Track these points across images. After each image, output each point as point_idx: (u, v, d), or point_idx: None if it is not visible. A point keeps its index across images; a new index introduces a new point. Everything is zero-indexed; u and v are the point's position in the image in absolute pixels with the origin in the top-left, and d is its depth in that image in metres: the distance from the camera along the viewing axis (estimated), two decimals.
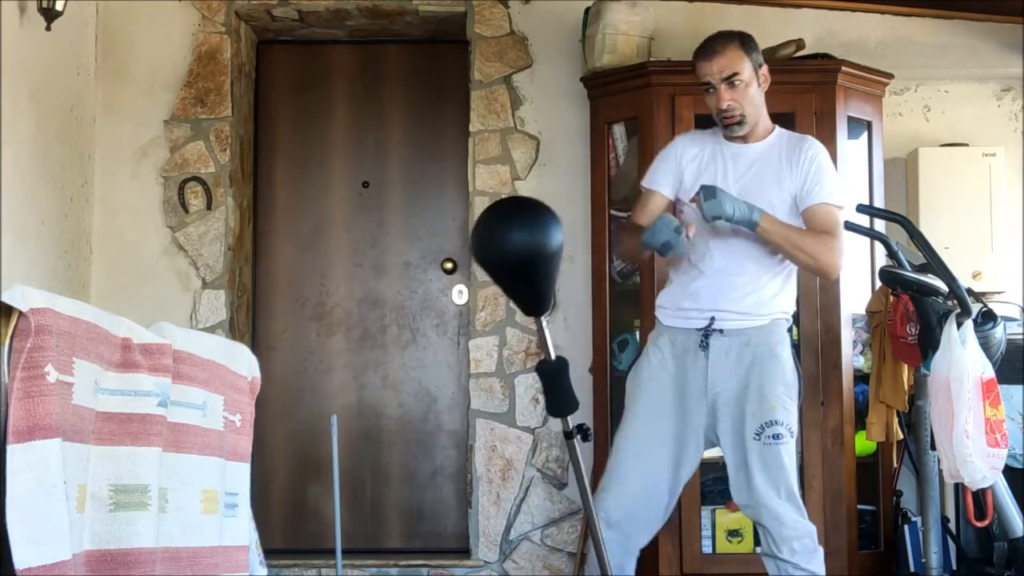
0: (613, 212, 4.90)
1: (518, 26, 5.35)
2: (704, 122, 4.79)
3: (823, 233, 3.56)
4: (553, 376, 2.91)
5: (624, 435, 3.58)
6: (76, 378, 2.30)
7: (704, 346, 3.52)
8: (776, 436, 3.45)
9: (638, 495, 3.53)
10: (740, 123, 3.62)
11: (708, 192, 3.43)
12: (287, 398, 5.53)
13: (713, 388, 3.54)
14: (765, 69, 3.68)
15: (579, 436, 2.97)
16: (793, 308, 3.74)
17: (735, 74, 3.59)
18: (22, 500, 2.11)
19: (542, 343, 2.95)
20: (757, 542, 4.65)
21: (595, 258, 4.98)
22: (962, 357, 3.85)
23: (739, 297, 3.54)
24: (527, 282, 2.82)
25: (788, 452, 3.49)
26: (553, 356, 2.94)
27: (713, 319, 3.53)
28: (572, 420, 2.97)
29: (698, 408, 3.55)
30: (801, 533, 3.47)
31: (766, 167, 3.65)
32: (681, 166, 3.69)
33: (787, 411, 3.50)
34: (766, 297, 3.60)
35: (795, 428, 3.53)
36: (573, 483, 5.13)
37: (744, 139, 3.69)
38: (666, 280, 3.78)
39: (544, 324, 2.93)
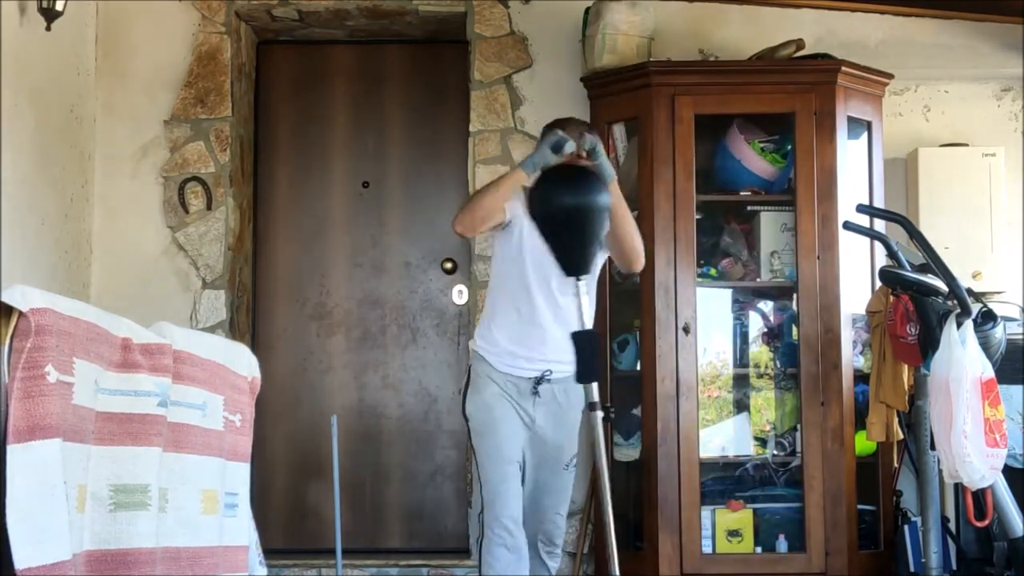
0: None
1: (518, 26, 5.35)
2: (704, 123, 4.81)
3: None
4: (588, 342, 3.40)
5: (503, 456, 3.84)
6: (76, 378, 2.30)
7: (535, 392, 3.81)
8: (575, 465, 3.97)
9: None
10: None
11: (592, 142, 3.63)
12: (287, 398, 5.53)
13: (536, 424, 3.85)
14: None
15: (602, 413, 3.38)
16: None
17: (584, 156, 3.74)
18: (22, 500, 2.11)
19: (578, 311, 3.40)
20: (757, 542, 4.68)
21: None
22: (962, 357, 3.86)
23: (567, 348, 3.65)
24: (577, 234, 3.41)
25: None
26: (589, 326, 3.42)
27: (549, 371, 3.80)
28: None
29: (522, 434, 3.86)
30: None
31: None
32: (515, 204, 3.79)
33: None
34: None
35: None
36: (573, 483, 5.12)
37: None
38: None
39: (582, 290, 3.41)
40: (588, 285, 3.62)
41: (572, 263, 3.46)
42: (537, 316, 3.79)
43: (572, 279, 3.51)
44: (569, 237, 3.43)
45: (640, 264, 3.87)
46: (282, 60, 5.72)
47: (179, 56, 5.32)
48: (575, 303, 3.48)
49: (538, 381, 3.78)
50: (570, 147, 3.58)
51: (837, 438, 4.64)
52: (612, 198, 3.58)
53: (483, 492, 3.80)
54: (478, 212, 3.70)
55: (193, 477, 2.78)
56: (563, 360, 3.67)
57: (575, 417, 3.88)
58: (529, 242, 3.73)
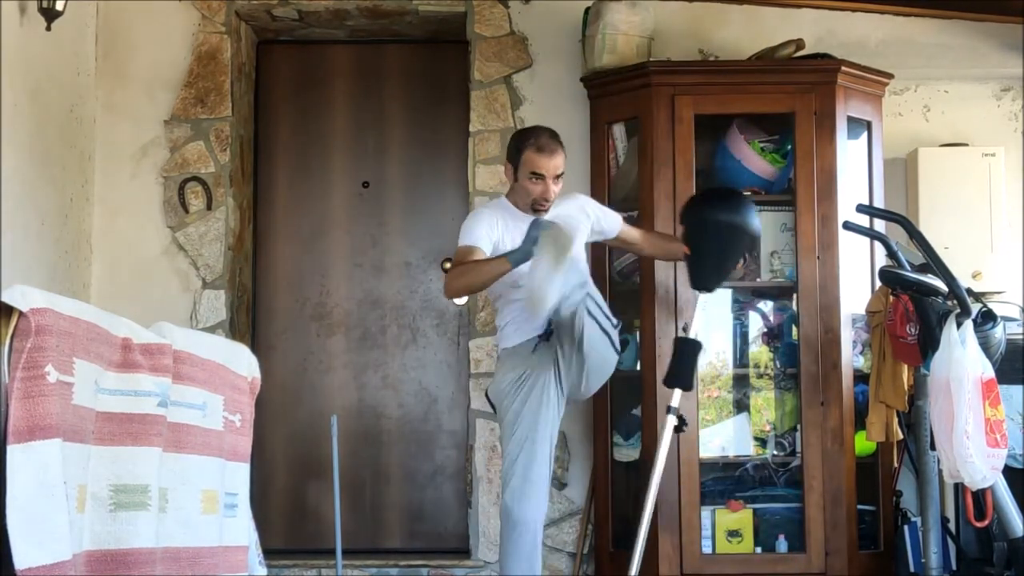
0: None
1: (518, 26, 5.35)
2: (704, 123, 4.81)
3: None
4: (689, 350, 3.87)
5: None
6: (76, 378, 2.30)
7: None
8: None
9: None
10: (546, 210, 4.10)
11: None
12: (287, 398, 5.53)
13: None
14: None
15: (677, 419, 3.78)
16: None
17: (562, 174, 4.10)
18: (22, 500, 2.11)
19: (689, 320, 3.88)
20: (757, 542, 4.68)
21: (595, 258, 4.97)
22: (962, 357, 3.85)
23: None
24: (720, 251, 3.96)
25: None
26: (695, 335, 3.88)
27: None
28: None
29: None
30: None
31: None
32: (493, 233, 4.05)
33: None
34: None
35: None
36: (573, 483, 5.13)
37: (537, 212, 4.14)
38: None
39: (700, 303, 3.98)
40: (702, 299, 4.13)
41: (703, 278, 3.98)
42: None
43: None
44: (713, 251, 3.94)
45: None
46: (282, 60, 5.71)
47: (179, 56, 5.32)
48: None
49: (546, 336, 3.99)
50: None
51: (837, 438, 4.64)
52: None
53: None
54: (465, 290, 4.07)
55: (193, 477, 2.78)
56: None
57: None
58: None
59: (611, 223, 4.32)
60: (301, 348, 5.57)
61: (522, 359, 4.02)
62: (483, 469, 5.15)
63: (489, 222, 4.05)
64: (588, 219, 4.22)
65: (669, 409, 3.86)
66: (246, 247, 5.50)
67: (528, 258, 3.76)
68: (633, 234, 4.39)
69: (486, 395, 4.17)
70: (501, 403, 4.04)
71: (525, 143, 4.08)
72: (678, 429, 3.95)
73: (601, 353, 3.93)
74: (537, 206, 4.06)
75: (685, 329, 4.67)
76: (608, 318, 3.93)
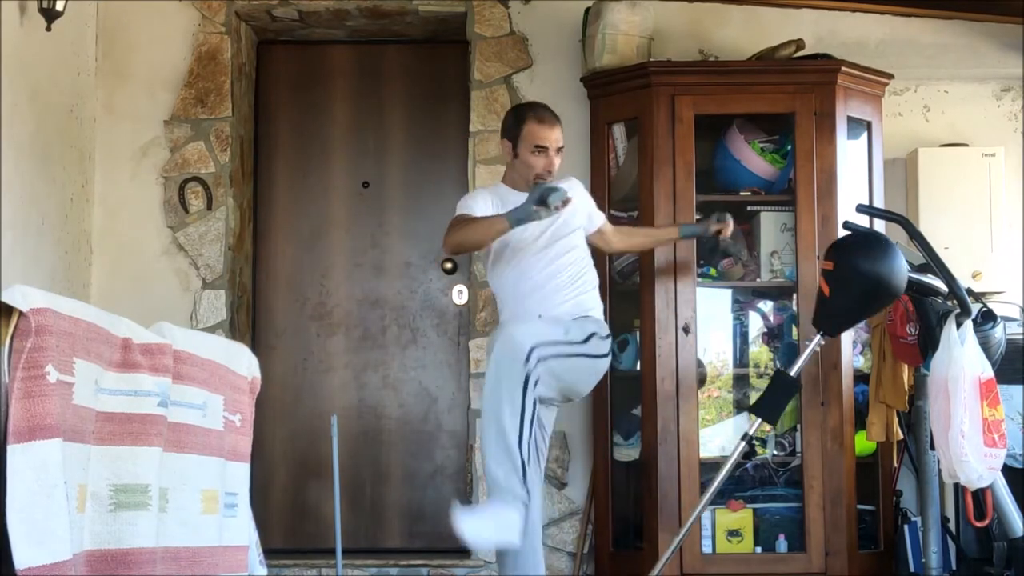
0: (613, 212, 4.90)
1: (518, 26, 5.35)
2: (704, 123, 4.81)
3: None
4: (786, 385, 3.90)
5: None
6: (76, 378, 2.30)
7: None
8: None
9: None
10: None
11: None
12: (287, 398, 5.53)
13: None
14: None
15: (748, 446, 3.82)
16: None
17: (562, 147, 4.09)
18: (22, 500, 2.11)
19: (798, 356, 3.98)
20: (757, 542, 4.68)
21: (595, 258, 4.97)
22: (961, 357, 3.85)
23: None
24: (860, 304, 3.89)
25: None
26: (796, 374, 3.91)
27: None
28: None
29: None
30: None
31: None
32: (490, 210, 4.01)
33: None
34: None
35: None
36: (573, 483, 5.13)
37: None
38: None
39: (815, 343, 3.94)
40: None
41: (832, 322, 3.93)
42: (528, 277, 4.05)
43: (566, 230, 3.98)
44: (854, 301, 3.87)
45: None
46: (282, 60, 5.72)
47: (179, 56, 5.32)
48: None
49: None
50: (556, 198, 3.70)
51: (837, 438, 4.64)
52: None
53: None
54: (464, 245, 3.97)
55: (193, 477, 2.78)
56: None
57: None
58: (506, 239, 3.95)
59: (598, 213, 4.34)
60: (301, 348, 5.57)
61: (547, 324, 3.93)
62: (483, 469, 5.13)
63: (485, 200, 4.04)
64: (587, 202, 4.24)
65: (745, 436, 3.87)
66: (246, 247, 5.50)
67: (528, 218, 3.73)
68: (609, 227, 4.39)
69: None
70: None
71: (525, 116, 4.05)
72: (748, 456, 3.93)
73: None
74: (539, 181, 3.99)
75: (686, 329, 4.68)
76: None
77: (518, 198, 3.96)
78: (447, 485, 5.50)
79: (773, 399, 3.88)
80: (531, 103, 4.23)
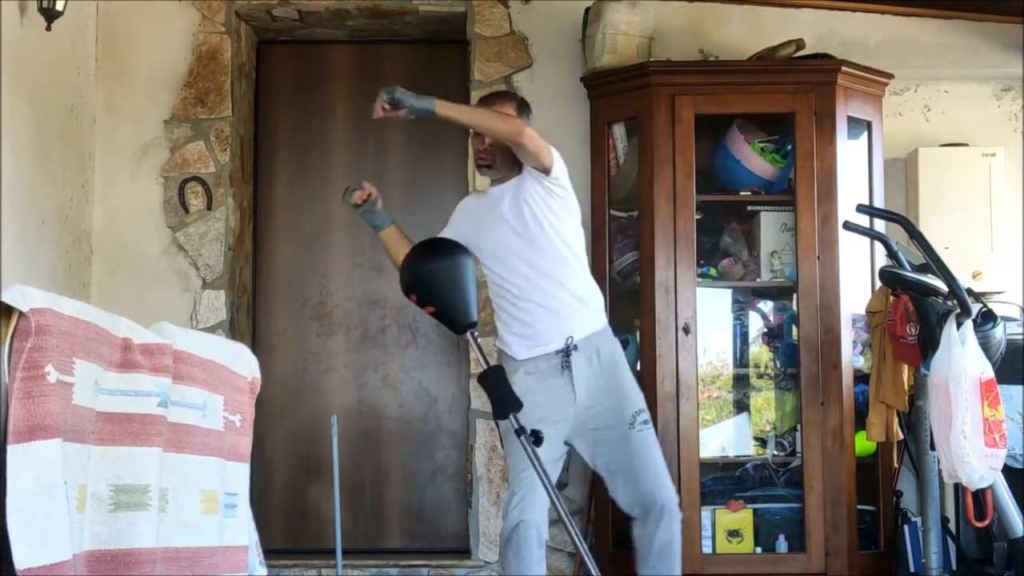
0: (613, 212, 4.91)
1: (518, 26, 5.35)
2: (704, 123, 4.81)
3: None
4: (491, 380, 3.28)
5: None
6: (76, 378, 2.30)
7: (566, 366, 3.72)
8: (646, 422, 3.77)
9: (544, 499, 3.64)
10: (491, 167, 3.94)
11: (387, 91, 3.74)
12: (287, 398, 5.53)
13: (579, 400, 3.74)
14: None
15: (532, 438, 3.21)
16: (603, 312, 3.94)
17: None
18: (22, 500, 2.11)
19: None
20: (757, 542, 4.68)
21: (595, 258, 4.98)
22: (961, 357, 3.85)
23: (567, 316, 3.79)
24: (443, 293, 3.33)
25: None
26: (487, 364, 3.31)
27: (571, 337, 3.74)
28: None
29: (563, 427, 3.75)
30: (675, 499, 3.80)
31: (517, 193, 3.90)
32: (462, 216, 4.07)
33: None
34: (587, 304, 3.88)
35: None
36: (574, 483, 5.13)
37: (499, 182, 3.98)
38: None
39: (472, 338, 3.37)
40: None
41: (456, 321, 3.37)
42: (522, 295, 3.81)
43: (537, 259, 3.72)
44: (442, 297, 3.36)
45: (522, 137, 3.76)
46: (282, 60, 5.71)
47: (179, 56, 5.32)
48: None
49: (565, 353, 3.71)
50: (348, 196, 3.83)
51: (837, 438, 4.64)
52: (446, 111, 3.79)
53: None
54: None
55: (193, 477, 2.78)
56: (575, 327, 3.72)
57: (619, 372, 3.78)
58: (481, 238, 3.89)
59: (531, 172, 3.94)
60: (301, 348, 5.57)
61: (537, 380, 3.74)
62: (483, 469, 5.15)
63: (460, 209, 4.13)
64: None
65: (519, 431, 3.46)
66: (246, 247, 5.50)
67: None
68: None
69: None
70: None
71: None
72: (536, 443, 3.70)
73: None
74: (477, 162, 3.99)
75: (686, 329, 4.68)
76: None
77: (489, 194, 3.99)
78: (447, 485, 5.50)
79: (498, 394, 3.38)
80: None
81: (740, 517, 4.68)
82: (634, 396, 3.79)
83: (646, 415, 3.77)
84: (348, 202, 3.98)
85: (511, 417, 3.23)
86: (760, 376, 4.93)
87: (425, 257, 3.41)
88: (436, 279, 3.32)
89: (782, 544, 4.67)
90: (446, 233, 4.00)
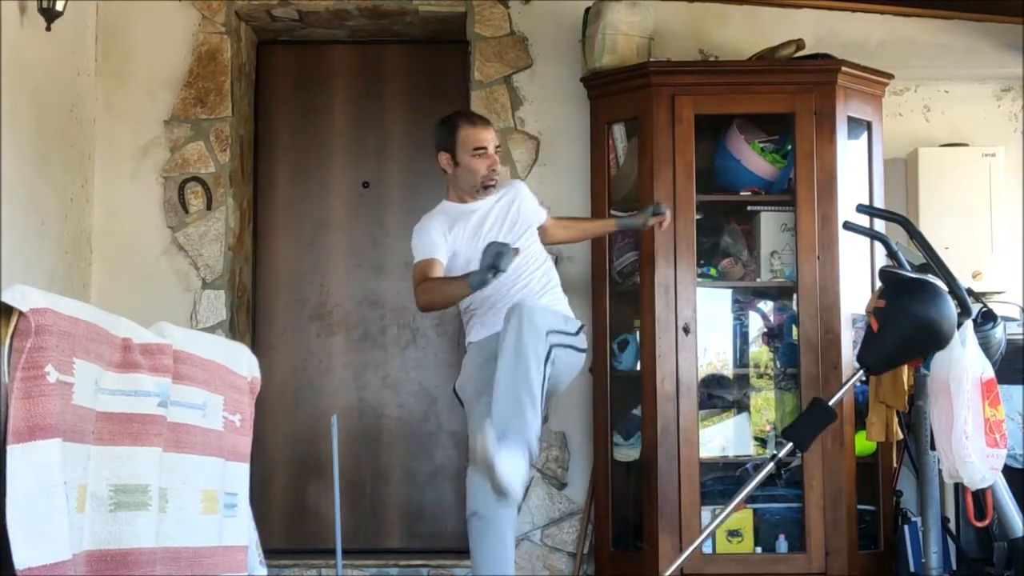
0: (613, 212, 4.90)
1: (518, 26, 5.35)
2: (704, 123, 4.81)
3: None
4: (822, 414, 3.85)
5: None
6: (76, 378, 2.30)
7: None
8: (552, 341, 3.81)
9: None
10: (495, 186, 4.09)
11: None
12: (287, 398, 5.53)
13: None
14: None
15: (777, 469, 3.80)
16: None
17: (499, 146, 4.14)
18: (22, 500, 2.11)
19: (839, 388, 3.98)
20: (757, 542, 4.68)
21: (595, 258, 4.98)
22: (962, 357, 3.85)
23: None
24: (906, 343, 3.85)
25: None
26: (834, 405, 3.86)
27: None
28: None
29: None
30: None
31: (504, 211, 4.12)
32: (447, 239, 4.00)
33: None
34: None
35: None
36: (573, 483, 5.13)
37: (473, 199, 4.13)
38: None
39: (859, 377, 3.93)
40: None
41: (876, 359, 3.86)
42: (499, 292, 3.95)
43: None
44: (901, 341, 3.81)
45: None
46: (282, 60, 5.71)
47: (179, 56, 5.32)
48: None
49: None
50: (506, 262, 3.65)
51: (837, 438, 4.63)
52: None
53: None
54: (434, 307, 3.97)
55: (193, 477, 2.78)
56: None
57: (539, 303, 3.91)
58: (466, 256, 3.95)
59: (541, 210, 4.29)
60: (301, 348, 5.57)
61: (490, 352, 3.86)
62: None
63: (437, 230, 4.00)
64: (531, 202, 4.20)
65: (774, 457, 3.85)
66: (246, 247, 5.50)
67: (485, 283, 3.69)
68: (550, 221, 4.34)
69: (454, 391, 4.07)
70: (465, 392, 3.97)
71: (457, 123, 4.08)
72: (775, 477, 3.92)
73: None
74: (487, 182, 4.03)
75: (686, 329, 4.68)
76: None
77: (466, 210, 4.03)
78: (447, 485, 5.50)
79: (807, 427, 3.87)
80: (457, 111, 4.23)
81: (740, 517, 4.68)
82: (552, 316, 3.83)
83: (557, 336, 3.81)
84: (506, 265, 3.71)
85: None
86: (760, 376, 4.93)
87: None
88: None
89: (782, 544, 4.67)
90: (437, 255, 3.96)
